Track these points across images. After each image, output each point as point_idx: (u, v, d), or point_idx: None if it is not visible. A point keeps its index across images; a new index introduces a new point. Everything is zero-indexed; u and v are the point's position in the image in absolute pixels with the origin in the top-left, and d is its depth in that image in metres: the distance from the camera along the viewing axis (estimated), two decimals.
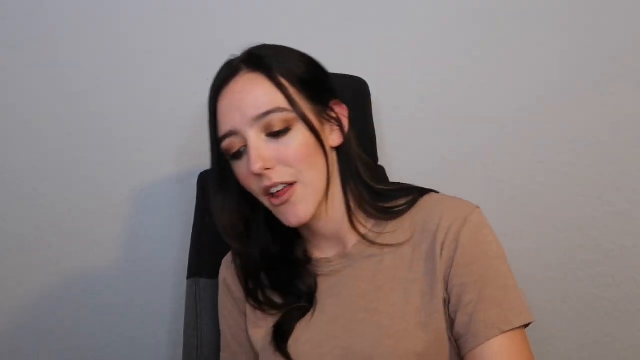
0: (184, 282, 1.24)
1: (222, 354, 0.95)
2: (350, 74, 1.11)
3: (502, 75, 1.22)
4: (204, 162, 1.20)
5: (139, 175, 1.22)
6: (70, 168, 1.20)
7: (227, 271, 0.94)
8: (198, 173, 1.15)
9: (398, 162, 1.23)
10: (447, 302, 0.78)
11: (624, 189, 1.26)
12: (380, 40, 1.22)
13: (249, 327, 0.90)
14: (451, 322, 0.78)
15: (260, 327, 0.88)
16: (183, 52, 1.18)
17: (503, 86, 1.22)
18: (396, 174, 1.16)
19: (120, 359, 1.27)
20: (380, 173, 1.12)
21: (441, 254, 0.78)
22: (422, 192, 0.86)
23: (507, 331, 0.74)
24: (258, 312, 0.88)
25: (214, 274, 1.00)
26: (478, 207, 0.81)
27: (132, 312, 1.26)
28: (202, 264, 1.06)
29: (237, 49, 1.18)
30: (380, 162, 1.15)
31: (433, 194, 0.86)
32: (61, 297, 1.24)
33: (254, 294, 0.88)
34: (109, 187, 1.22)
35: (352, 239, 0.86)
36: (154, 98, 1.19)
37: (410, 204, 0.84)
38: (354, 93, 1.09)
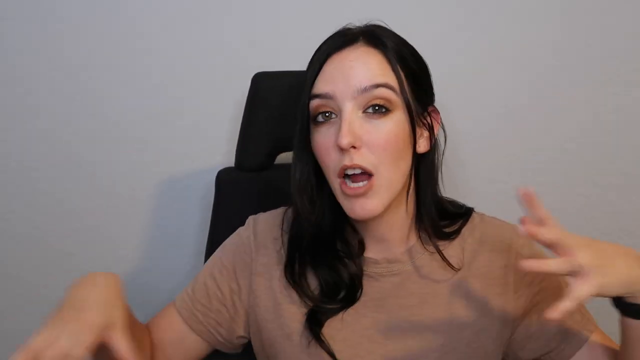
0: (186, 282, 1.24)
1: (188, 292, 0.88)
2: None
3: (501, 75, 1.22)
4: (209, 161, 1.21)
5: (140, 176, 1.22)
6: (72, 168, 1.20)
7: (267, 228, 0.86)
8: (205, 172, 1.14)
9: None
10: (517, 323, 0.81)
11: (623, 188, 1.26)
12: None
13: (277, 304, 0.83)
14: (522, 340, 0.82)
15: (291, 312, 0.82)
16: (185, 52, 1.18)
17: (503, 86, 1.22)
18: None
19: None
20: None
21: (505, 275, 0.81)
22: (468, 212, 0.86)
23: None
24: (292, 292, 0.81)
25: None
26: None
27: (135, 312, 1.26)
28: None
29: (238, 49, 1.19)
30: None
31: (474, 214, 0.87)
32: (62, 298, 1.24)
33: (292, 268, 0.82)
34: (110, 187, 1.22)
35: (401, 247, 0.83)
36: (159, 97, 1.19)
37: (460, 227, 0.84)
38: None
